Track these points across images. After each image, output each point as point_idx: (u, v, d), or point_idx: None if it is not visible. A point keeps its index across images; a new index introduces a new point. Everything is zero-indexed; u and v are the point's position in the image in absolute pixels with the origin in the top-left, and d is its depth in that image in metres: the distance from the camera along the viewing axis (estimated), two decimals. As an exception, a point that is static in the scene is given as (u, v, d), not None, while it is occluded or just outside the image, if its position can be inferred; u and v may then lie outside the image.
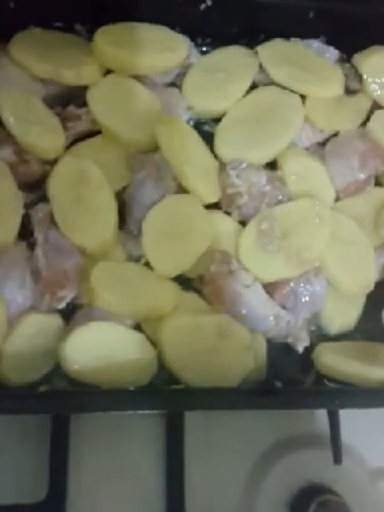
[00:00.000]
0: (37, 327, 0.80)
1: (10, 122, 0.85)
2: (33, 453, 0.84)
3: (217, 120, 0.97)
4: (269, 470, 0.89)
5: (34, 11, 0.94)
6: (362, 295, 0.90)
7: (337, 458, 0.84)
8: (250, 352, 0.81)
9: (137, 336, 0.80)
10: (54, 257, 0.81)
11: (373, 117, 0.98)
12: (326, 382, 0.81)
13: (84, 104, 0.93)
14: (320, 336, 0.89)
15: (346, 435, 0.89)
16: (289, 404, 0.74)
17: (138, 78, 0.96)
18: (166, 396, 0.73)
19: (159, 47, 0.96)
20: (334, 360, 0.81)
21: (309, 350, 0.86)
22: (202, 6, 0.98)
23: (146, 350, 0.80)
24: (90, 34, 0.96)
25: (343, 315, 0.89)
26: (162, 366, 0.80)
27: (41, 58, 0.92)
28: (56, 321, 0.81)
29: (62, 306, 0.81)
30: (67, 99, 0.94)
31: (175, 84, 1.00)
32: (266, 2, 0.98)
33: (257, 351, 0.83)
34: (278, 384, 0.82)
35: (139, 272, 0.86)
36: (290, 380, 0.84)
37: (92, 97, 0.92)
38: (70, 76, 0.91)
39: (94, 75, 0.94)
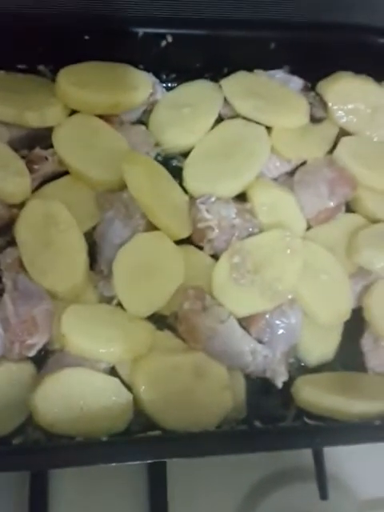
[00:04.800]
0: (8, 377, 0.78)
1: (-26, 168, 0.84)
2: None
3: (185, 155, 0.97)
4: (256, 507, 0.87)
5: (-4, 54, 0.93)
6: (340, 324, 0.89)
7: (323, 494, 0.82)
8: (228, 391, 0.79)
9: (111, 381, 0.78)
10: (23, 303, 0.79)
11: (339, 144, 0.98)
12: (305, 418, 0.79)
13: (50, 145, 0.92)
14: (299, 368, 0.87)
15: (333, 468, 0.87)
16: (269, 447, 0.72)
17: (103, 116, 0.96)
18: (143, 446, 0.71)
19: (123, 86, 0.96)
20: (312, 394, 0.79)
21: (289, 383, 0.84)
22: (163, 43, 0.98)
23: (121, 395, 0.78)
24: (53, 75, 0.96)
25: (321, 346, 0.87)
26: (138, 410, 0.78)
27: (4, 101, 0.91)
28: (28, 369, 0.79)
29: (32, 353, 0.79)
30: (33, 141, 0.93)
31: (142, 121, 1.00)
32: (227, 36, 0.99)
33: (235, 389, 0.81)
34: (258, 423, 0.80)
35: (111, 313, 0.84)
36: (270, 417, 0.82)
37: (57, 138, 0.92)
38: (34, 118, 0.91)
39: (58, 116, 0.93)
